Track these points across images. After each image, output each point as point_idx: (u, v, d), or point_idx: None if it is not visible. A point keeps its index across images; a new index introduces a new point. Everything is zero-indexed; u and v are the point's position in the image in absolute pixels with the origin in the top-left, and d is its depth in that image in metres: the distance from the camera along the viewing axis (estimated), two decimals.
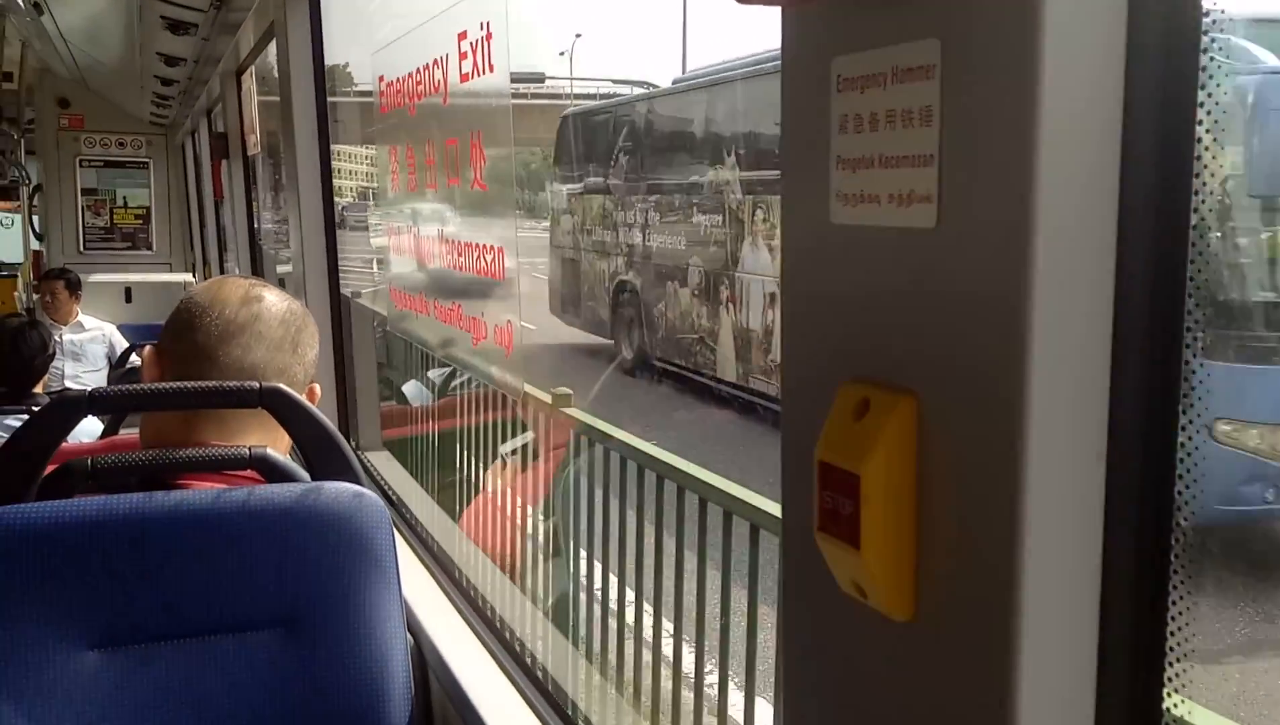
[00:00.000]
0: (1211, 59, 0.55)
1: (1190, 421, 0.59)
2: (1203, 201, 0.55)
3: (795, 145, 0.74)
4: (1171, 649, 0.61)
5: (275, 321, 1.57)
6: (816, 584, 0.73)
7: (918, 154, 0.61)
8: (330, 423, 1.51)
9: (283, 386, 1.46)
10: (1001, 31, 0.55)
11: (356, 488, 1.45)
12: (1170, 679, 0.61)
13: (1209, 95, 0.55)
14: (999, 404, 0.58)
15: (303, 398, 1.50)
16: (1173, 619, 0.61)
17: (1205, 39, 0.55)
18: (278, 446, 1.53)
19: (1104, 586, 0.61)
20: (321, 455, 1.49)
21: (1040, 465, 0.57)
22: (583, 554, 3.16)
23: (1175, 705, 0.62)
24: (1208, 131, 0.55)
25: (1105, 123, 0.56)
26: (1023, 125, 0.55)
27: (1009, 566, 0.58)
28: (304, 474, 1.49)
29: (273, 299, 1.60)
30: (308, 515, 1.41)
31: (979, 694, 0.61)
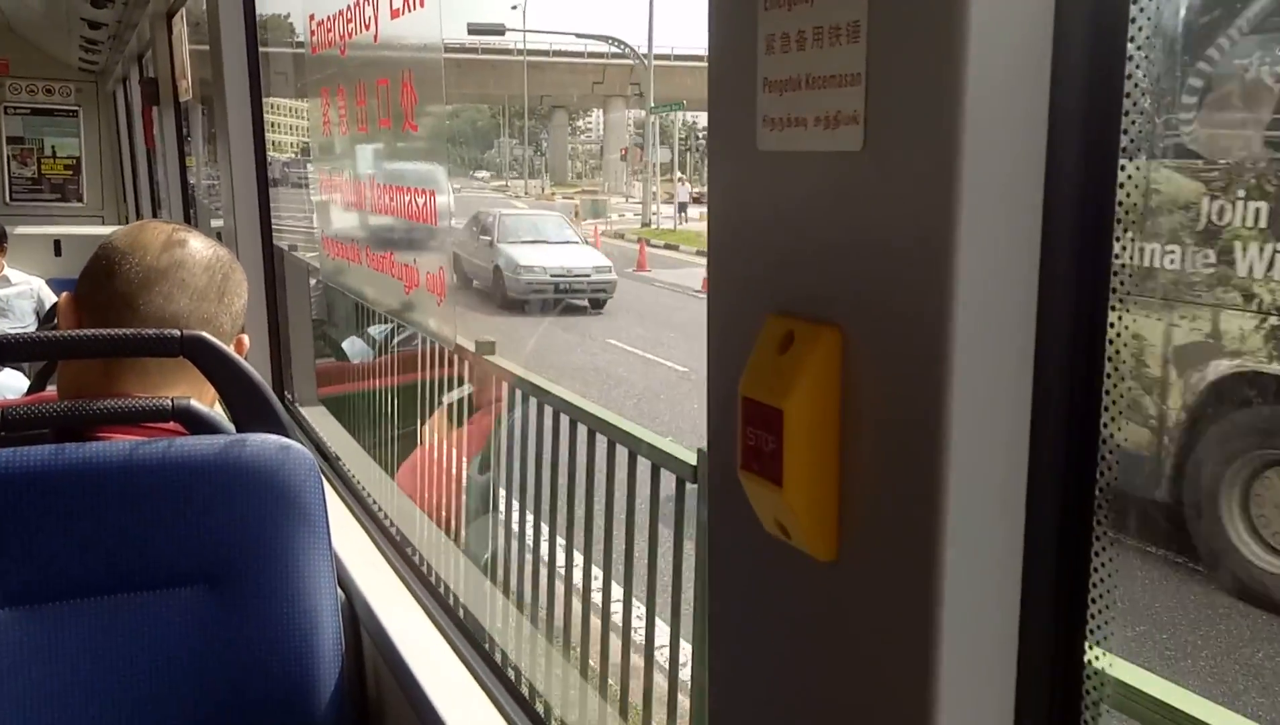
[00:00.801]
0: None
1: (1118, 356, 0.57)
2: (1135, 112, 0.53)
3: (722, 68, 0.71)
4: (1094, 600, 0.60)
5: (200, 268, 1.52)
6: (740, 523, 0.71)
7: (844, 73, 0.59)
8: (256, 374, 1.46)
9: (206, 335, 1.41)
10: None
11: (283, 440, 1.41)
12: (1093, 631, 0.61)
13: (1140, 10, 0.53)
14: (924, 337, 0.56)
15: (228, 347, 1.45)
16: (1095, 570, 0.60)
17: None
18: (203, 399, 1.48)
19: (1028, 528, 0.60)
20: (247, 407, 1.45)
21: (964, 401, 0.56)
22: (515, 506, 3.15)
23: (1097, 658, 0.61)
24: (1138, 49, 0.53)
25: (1036, 35, 0.53)
26: (951, 37, 0.52)
27: (932, 507, 0.57)
28: (229, 426, 1.45)
29: (197, 245, 1.54)
30: (231, 468, 1.37)
31: (901, 636, 0.60)
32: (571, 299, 16.55)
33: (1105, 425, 0.58)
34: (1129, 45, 0.53)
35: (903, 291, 0.57)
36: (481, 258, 17.44)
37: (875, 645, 0.62)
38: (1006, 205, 0.55)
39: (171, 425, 1.42)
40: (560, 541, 3.06)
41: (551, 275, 16.71)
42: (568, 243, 18.30)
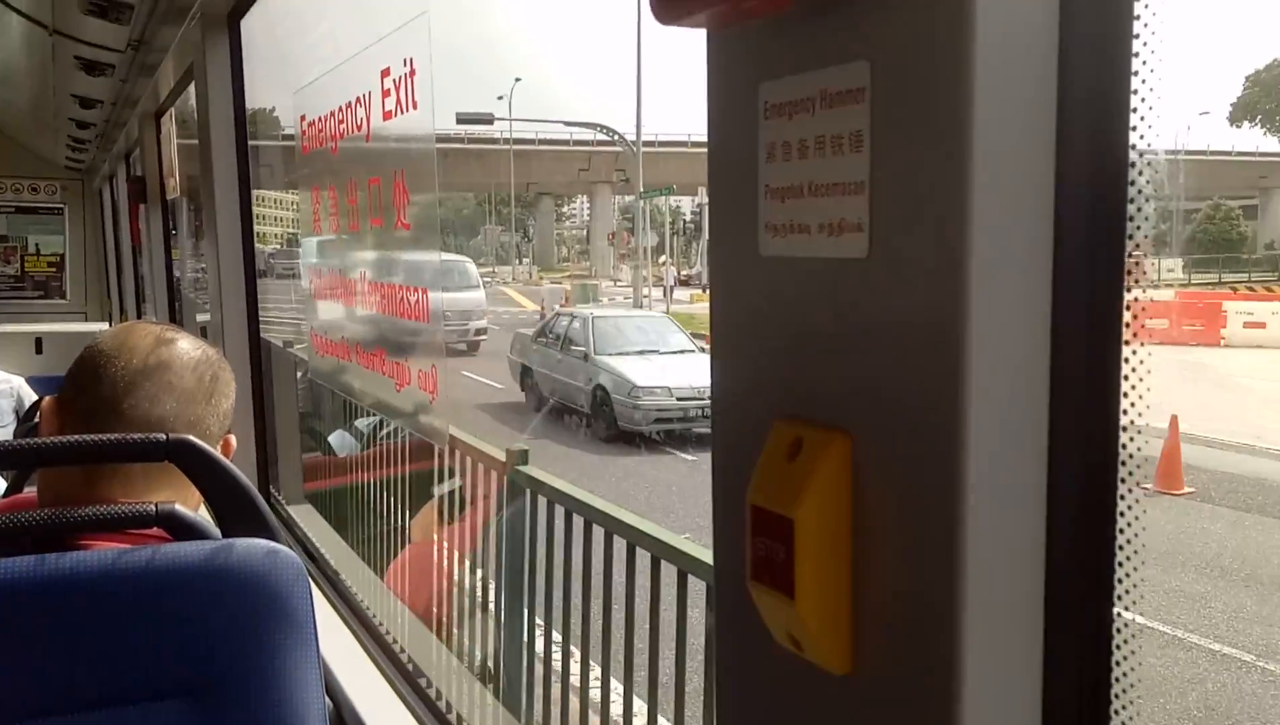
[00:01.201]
0: (1143, 100, 0.54)
1: (1130, 456, 0.56)
2: (1136, 227, 0.54)
3: (723, 175, 0.71)
4: (1116, 714, 0.59)
5: (187, 370, 1.49)
6: (750, 635, 0.69)
7: (848, 181, 0.59)
8: (243, 476, 1.44)
9: (191, 438, 1.38)
10: (932, 52, 0.53)
11: (271, 544, 1.37)
12: None
13: (1143, 101, 0.53)
14: (936, 444, 0.55)
15: (213, 450, 1.42)
16: (1116, 682, 0.59)
17: (1135, 60, 0.53)
18: (188, 503, 1.45)
19: (1046, 639, 0.58)
20: (234, 511, 1.42)
21: (979, 507, 0.55)
22: (523, 612, 3.07)
23: None
24: (1141, 156, 0.53)
25: (1038, 146, 0.54)
26: (955, 149, 0.52)
27: (950, 617, 0.55)
28: (215, 531, 1.42)
29: (185, 346, 1.52)
30: (217, 575, 1.33)
31: None
32: (697, 427, 12.13)
33: (1123, 513, 0.57)
34: (1131, 152, 0.53)
35: (913, 396, 0.57)
36: (571, 375, 13.95)
37: None
38: (1015, 308, 0.54)
39: (156, 531, 1.39)
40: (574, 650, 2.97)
41: (678, 397, 12.60)
42: (684, 352, 14.31)
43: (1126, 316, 0.55)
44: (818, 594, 0.61)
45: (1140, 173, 0.54)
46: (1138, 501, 0.57)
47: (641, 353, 14.04)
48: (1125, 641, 0.58)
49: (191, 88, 3.25)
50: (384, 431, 3.93)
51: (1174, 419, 9.52)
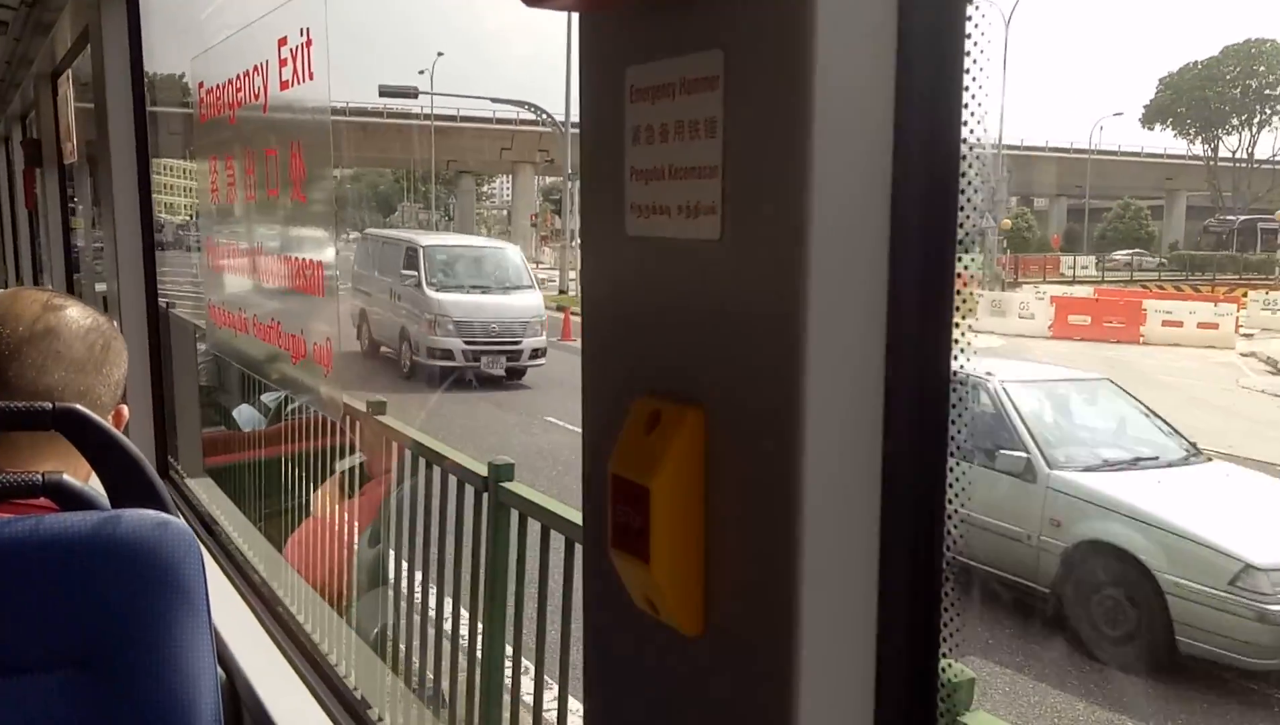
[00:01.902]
0: (973, 96, 0.57)
1: (959, 431, 0.60)
2: (969, 208, 0.57)
3: (593, 156, 0.73)
4: (944, 670, 0.63)
5: (76, 338, 1.47)
6: (613, 598, 0.71)
7: (703, 165, 0.62)
8: (134, 447, 1.42)
9: (79, 407, 1.36)
10: (779, 43, 0.56)
11: (161, 515, 1.36)
12: (943, 699, 0.63)
13: (974, 98, 0.57)
14: (779, 417, 0.58)
15: (102, 419, 1.40)
16: (945, 635, 0.63)
17: (967, 58, 0.57)
18: (77, 474, 1.43)
19: (881, 599, 0.62)
20: (123, 481, 1.40)
21: (818, 477, 0.58)
22: (416, 577, 3.07)
23: (945, 713, 0.63)
24: (970, 150, 0.57)
25: (877, 135, 0.57)
26: (797, 136, 0.55)
27: (789, 580, 0.59)
28: (104, 502, 1.40)
29: (74, 313, 1.49)
30: (105, 546, 1.32)
31: (763, 708, 0.61)
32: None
33: (951, 483, 0.61)
34: (963, 146, 0.57)
35: (760, 371, 0.60)
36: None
37: (739, 718, 0.63)
38: (853, 290, 0.58)
39: (42, 501, 1.36)
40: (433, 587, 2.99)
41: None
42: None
43: (956, 285, 0.59)
44: (671, 559, 0.64)
45: (970, 165, 0.57)
46: (965, 456, 0.61)
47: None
48: (949, 578, 0.63)
49: (89, 50, 3.15)
50: (291, 406, 3.87)
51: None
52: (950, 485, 0.61)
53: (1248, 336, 22.29)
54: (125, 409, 1.57)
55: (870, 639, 0.62)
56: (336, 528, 2.91)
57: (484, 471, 2.71)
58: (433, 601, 2.98)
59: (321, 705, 1.68)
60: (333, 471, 3.16)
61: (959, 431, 0.60)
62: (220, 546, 2.35)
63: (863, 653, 0.62)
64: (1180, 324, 21.31)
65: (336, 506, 2.99)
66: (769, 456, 0.59)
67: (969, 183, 0.57)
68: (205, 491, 2.79)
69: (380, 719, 2.54)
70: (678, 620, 0.65)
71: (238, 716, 1.67)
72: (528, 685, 2.75)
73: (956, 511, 0.61)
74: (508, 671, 2.73)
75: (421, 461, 2.98)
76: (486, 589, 2.69)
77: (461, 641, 2.96)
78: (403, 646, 3.05)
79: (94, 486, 1.45)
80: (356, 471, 3.14)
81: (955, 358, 0.59)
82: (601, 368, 0.74)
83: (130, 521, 1.33)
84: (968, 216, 0.57)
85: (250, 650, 1.80)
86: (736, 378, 0.61)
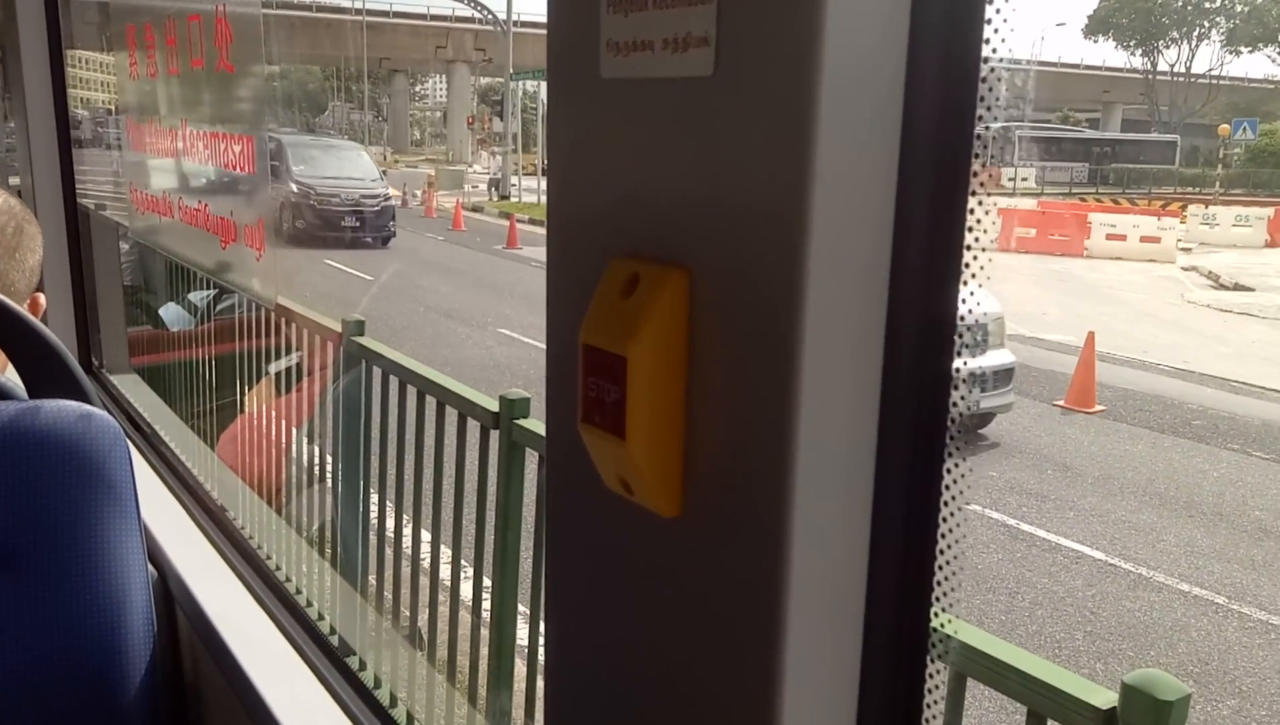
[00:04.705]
0: None
1: (972, 294, 0.55)
2: (996, 39, 0.51)
3: None
4: (941, 552, 0.59)
5: None
6: (580, 480, 0.66)
7: None
8: (52, 336, 1.33)
9: None
10: None
11: (84, 407, 1.29)
12: (939, 598, 0.59)
13: None
14: (775, 278, 0.52)
15: (17, 306, 1.32)
16: (944, 521, 0.58)
17: None
18: None
19: (877, 480, 0.57)
20: (42, 371, 1.33)
21: (816, 346, 0.52)
22: (351, 479, 3.02)
23: (944, 624, 0.59)
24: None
25: None
26: None
27: (780, 458, 0.53)
28: (22, 393, 1.32)
29: None
30: (23, 437, 1.24)
31: (747, 592, 0.57)
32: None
33: (957, 369, 0.56)
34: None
35: (755, 229, 0.54)
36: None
37: (721, 603, 0.58)
38: (866, 133, 0.52)
39: None
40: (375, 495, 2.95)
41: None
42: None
43: (976, 147, 0.53)
44: (649, 435, 0.59)
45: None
46: (974, 339, 0.56)
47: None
48: (950, 501, 0.58)
49: None
50: (221, 305, 3.74)
51: (1090, 336, 9.27)
52: (959, 353, 0.56)
53: (1186, 251, 22.80)
54: (42, 297, 1.49)
55: (865, 524, 0.57)
56: (271, 425, 2.84)
57: (494, 407, 2.57)
58: (408, 531, 2.92)
59: (256, 599, 1.63)
60: (266, 372, 3.07)
61: (969, 311, 0.55)
62: (149, 443, 2.26)
63: (858, 538, 0.57)
64: (1124, 238, 21.67)
65: (271, 405, 2.91)
66: (760, 324, 0.54)
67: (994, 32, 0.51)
68: (132, 388, 2.68)
69: (321, 617, 2.51)
70: (653, 500, 0.60)
71: (170, 614, 1.62)
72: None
73: (963, 399, 0.57)
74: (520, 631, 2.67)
75: (411, 392, 2.87)
76: (496, 541, 2.60)
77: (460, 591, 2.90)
78: (373, 579, 3.01)
79: (11, 378, 1.37)
80: (291, 372, 3.05)
81: (970, 230, 0.54)
82: (570, 229, 0.68)
83: (51, 412, 1.26)
84: (996, 31, 0.51)
85: (182, 547, 1.73)
86: (726, 237, 0.55)
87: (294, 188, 17.63)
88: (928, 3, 0.51)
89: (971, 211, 0.54)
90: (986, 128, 0.53)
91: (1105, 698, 1.39)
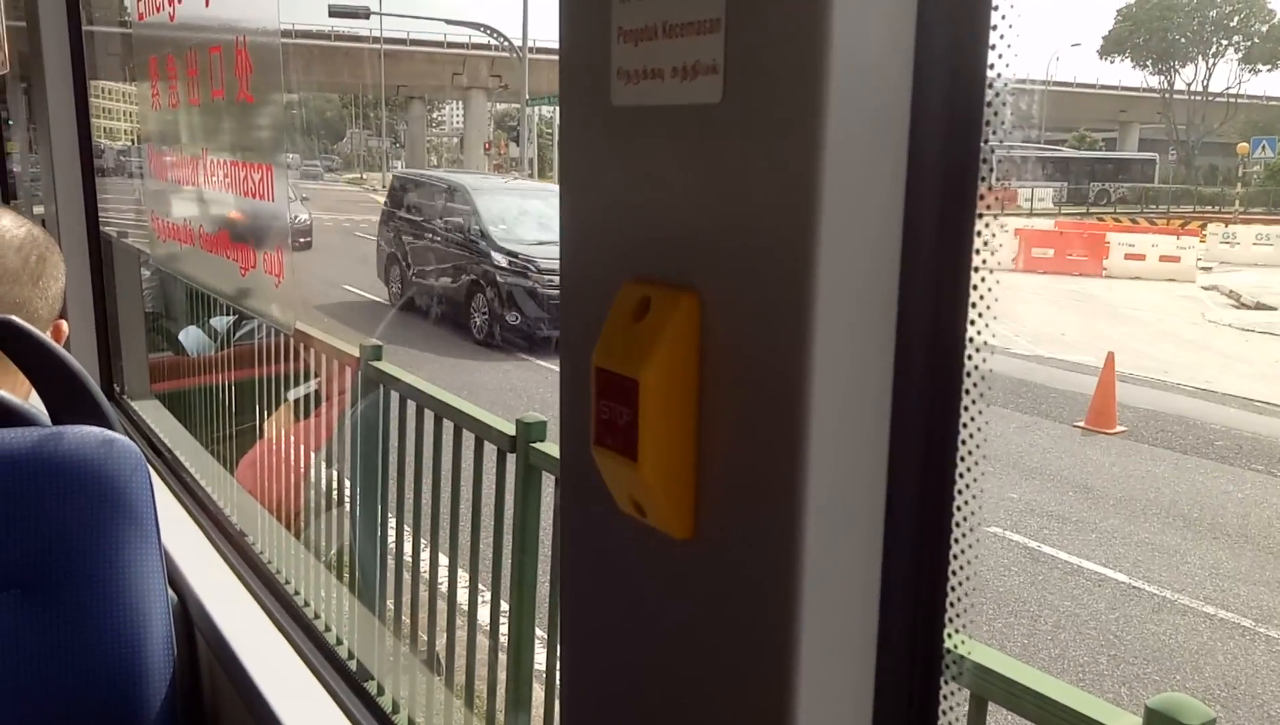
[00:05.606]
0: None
1: (980, 315, 0.56)
2: (1000, 64, 0.52)
3: (574, 18, 0.66)
4: (954, 572, 0.59)
5: (10, 250, 1.41)
6: (593, 502, 0.67)
7: (702, 19, 0.55)
8: (75, 362, 1.36)
9: (15, 319, 1.30)
10: None
11: (106, 433, 1.30)
12: (953, 618, 0.59)
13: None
14: (785, 301, 0.53)
15: (41, 333, 1.34)
16: (955, 542, 0.59)
17: None
18: (16, 391, 1.37)
19: (889, 500, 0.58)
20: (65, 398, 1.35)
21: (827, 369, 0.53)
22: (369, 503, 3.03)
23: (958, 645, 0.59)
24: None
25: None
26: None
27: (793, 480, 0.54)
28: (45, 419, 1.34)
29: (7, 223, 1.43)
30: (47, 463, 1.26)
31: (761, 614, 0.57)
32: None
33: (968, 390, 0.57)
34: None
35: (764, 252, 0.54)
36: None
37: (734, 624, 0.59)
38: (873, 158, 0.52)
39: None
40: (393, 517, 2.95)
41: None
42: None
43: (982, 170, 0.54)
44: (661, 457, 0.59)
45: (1003, 16, 0.52)
46: (985, 359, 0.57)
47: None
48: (962, 522, 0.58)
49: None
50: (240, 331, 3.78)
51: (1110, 356, 9.11)
52: (968, 375, 0.56)
53: (1206, 270, 22.60)
54: (65, 324, 1.51)
55: (877, 546, 0.57)
56: (289, 450, 2.86)
57: (511, 430, 2.57)
58: (425, 555, 2.92)
59: (275, 624, 1.64)
60: (285, 398, 3.09)
61: (978, 320, 0.56)
62: (169, 468, 2.28)
63: (870, 561, 0.57)
64: (1143, 257, 21.46)
65: (289, 430, 2.93)
66: (771, 346, 0.54)
67: (1003, 18, 0.52)
68: (153, 414, 2.70)
69: (340, 642, 2.51)
70: (667, 522, 0.61)
71: (190, 639, 1.63)
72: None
73: (973, 421, 0.57)
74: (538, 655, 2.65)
75: (429, 415, 2.87)
76: (514, 566, 2.60)
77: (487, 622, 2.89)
78: (391, 603, 3.01)
79: (35, 404, 1.39)
80: (310, 398, 3.07)
81: (977, 253, 0.54)
82: (583, 254, 0.68)
83: (73, 438, 1.27)
84: (1002, 58, 0.52)
85: (203, 573, 1.75)
86: (737, 259, 0.56)
87: (500, 262, 11.36)
88: (932, 28, 0.52)
89: (979, 233, 0.54)
90: (992, 151, 0.53)
91: (1129, 722, 1.37)
